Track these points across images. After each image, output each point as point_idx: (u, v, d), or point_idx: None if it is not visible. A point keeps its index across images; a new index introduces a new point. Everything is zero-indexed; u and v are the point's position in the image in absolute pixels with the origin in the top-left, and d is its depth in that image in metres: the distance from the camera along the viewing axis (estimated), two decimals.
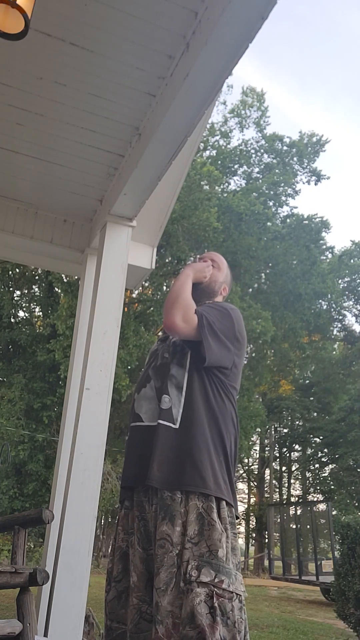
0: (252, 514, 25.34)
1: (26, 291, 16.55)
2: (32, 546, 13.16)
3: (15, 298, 16.29)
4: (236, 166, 18.63)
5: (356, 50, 47.25)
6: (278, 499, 25.99)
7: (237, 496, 1.86)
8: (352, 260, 22.48)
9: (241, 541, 27.35)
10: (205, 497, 1.53)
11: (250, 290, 17.33)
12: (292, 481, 28.07)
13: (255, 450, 26.12)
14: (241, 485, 28.74)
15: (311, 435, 24.32)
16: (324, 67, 51.08)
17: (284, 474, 27.99)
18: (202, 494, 1.53)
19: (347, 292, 22.89)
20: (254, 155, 18.76)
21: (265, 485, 26.59)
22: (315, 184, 19.01)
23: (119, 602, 1.60)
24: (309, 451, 25.50)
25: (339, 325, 24.14)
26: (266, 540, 19.17)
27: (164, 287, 14.37)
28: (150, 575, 1.54)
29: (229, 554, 1.49)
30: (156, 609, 1.42)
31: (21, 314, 16.93)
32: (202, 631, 1.34)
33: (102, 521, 18.55)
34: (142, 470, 1.60)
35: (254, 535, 25.33)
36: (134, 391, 1.84)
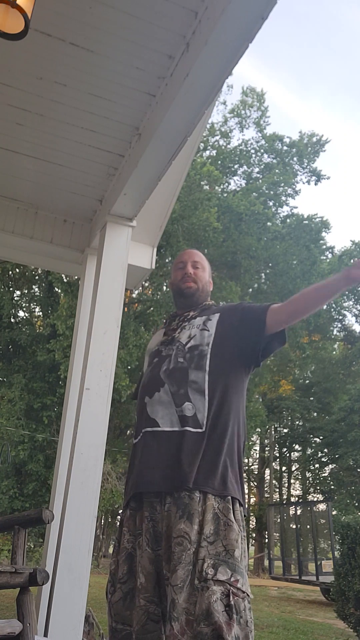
0: (252, 514, 25.32)
1: (26, 291, 16.53)
2: (32, 546, 13.15)
3: (15, 298, 16.26)
4: (236, 166, 18.63)
5: (356, 48, 47.25)
6: (278, 499, 25.99)
7: None
8: (352, 260, 22.45)
9: None
10: (222, 497, 1.54)
11: (250, 290, 17.32)
12: (292, 481, 28.07)
13: (255, 450, 26.14)
14: None
15: (311, 435, 24.32)
16: (323, 65, 51.10)
17: (284, 474, 27.98)
18: (220, 495, 1.54)
19: (347, 292, 22.90)
20: (254, 155, 18.76)
21: (265, 485, 26.58)
22: (315, 184, 19.03)
23: (124, 603, 1.59)
24: (309, 451, 25.48)
25: (339, 325, 24.17)
26: (266, 540, 19.17)
27: (164, 287, 14.32)
28: (159, 575, 1.53)
29: (242, 554, 1.50)
30: (172, 606, 1.42)
31: (21, 314, 16.92)
32: (219, 628, 1.35)
33: (102, 521, 18.55)
34: (165, 475, 1.58)
35: (254, 535, 25.29)
36: (140, 394, 1.79)
